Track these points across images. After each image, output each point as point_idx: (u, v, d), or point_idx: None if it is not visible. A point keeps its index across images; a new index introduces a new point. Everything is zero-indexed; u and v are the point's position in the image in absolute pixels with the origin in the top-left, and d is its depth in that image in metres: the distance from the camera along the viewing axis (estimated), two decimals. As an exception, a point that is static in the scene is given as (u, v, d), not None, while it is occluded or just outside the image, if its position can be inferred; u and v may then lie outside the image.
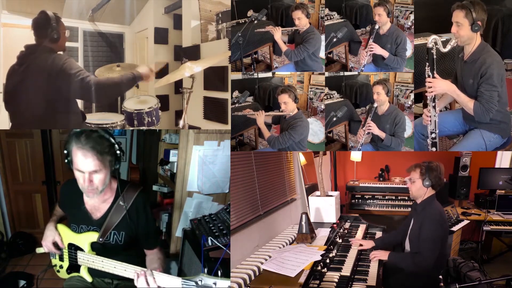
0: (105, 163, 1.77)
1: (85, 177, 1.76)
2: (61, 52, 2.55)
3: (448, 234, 2.36)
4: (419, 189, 2.34)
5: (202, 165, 2.65)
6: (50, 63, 2.34)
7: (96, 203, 1.94)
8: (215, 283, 1.58)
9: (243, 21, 2.83)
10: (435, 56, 2.25)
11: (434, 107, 2.32)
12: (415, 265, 2.20)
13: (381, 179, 4.47)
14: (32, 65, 2.38)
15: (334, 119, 2.89)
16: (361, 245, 2.55)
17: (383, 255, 2.31)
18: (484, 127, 2.31)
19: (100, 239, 1.91)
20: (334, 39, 2.87)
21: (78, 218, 1.97)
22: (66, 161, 1.81)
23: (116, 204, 1.93)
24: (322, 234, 2.75)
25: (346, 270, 2.11)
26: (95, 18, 4.93)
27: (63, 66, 2.34)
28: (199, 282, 1.59)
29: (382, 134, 2.63)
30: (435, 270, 2.30)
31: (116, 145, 1.82)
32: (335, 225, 2.93)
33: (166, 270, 2.02)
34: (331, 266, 2.17)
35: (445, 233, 2.28)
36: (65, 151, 1.79)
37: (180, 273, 2.45)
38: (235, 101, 2.88)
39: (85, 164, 1.74)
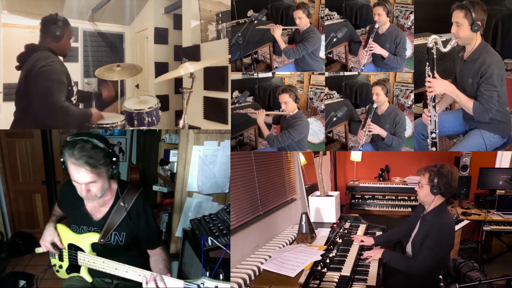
0: (101, 173, 1.76)
1: (82, 188, 1.76)
2: (60, 58, 2.55)
3: (453, 246, 2.28)
4: (427, 195, 2.22)
5: (202, 165, 2.65)
6: (34, 62, 2.33)
7: (96, 204, 1.94)
8: (216, 287, 1.57)
9: (243, 21, 2.83)
10: (435, 56, 2.25)
11: (434, 107, 2.32)
12: (407, 268, 2.18)
13: (381, 179, 4.46)
14: (25, 64, 2.38)
15: (334, 119, 2.89)
16: (362, 241, 2.55)
17: (377, 253, 2.30)
18: (484, 127, 2.31)
19: (101, 240, 1.91)
20: (334, 39, 2.87)
21: (79, 219, 1.97)
22: (63, 167, 1.79)
23: (116, 205, 1.93)
24: (322, 234, 2.75)
25: (346, 270, 2.11)
26: (95, 18, 4.93)
27: (42, 69, 2.31)
28: (201, 285, 1.59)
29: (383, 133, 2.62)
30: (435, 271, 2.30)
31: (111, 151, 1.80)
32: (335, 225, 2.93)
33: (171, 272, 2.02)
34: (331, 266, 2.16)
35: (450, 246, 2.23)
36: (62, 159, 1.77)
37: (180, 273, 2.44)
38: (235, 101, 2.87)
39: (80, 178, 1.73)
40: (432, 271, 2.26)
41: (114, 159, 1.80)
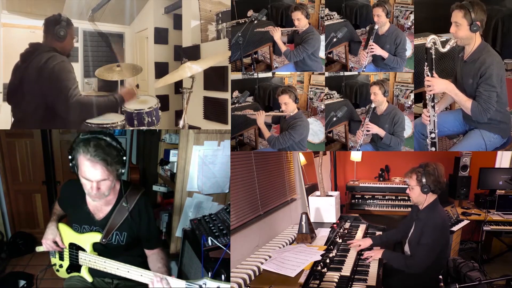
0: (113, 171, 1.77)
1: (93, 185, 1.75)
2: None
3: (449, 240, 2.32)
4: (418, 196, 2.26)
5: (202, 165, 2.65)
6: (44, 62, 2.34)
7: (99, 204, 1.94)
8: (219, 287, 1.57)
9: (243, 21, 2.83)
10: (433, 56, 2.26)
11: (433, 107, 2.32)
12: (407, 267, 2.20)
13: (381, 179, 4.47)
14: (32, 63, 2.39)
15: (334, 119, 2.89)
16: (359, 245, 2.52)
17: (377, 253, 2.31)
18: (484, 127, 2.31)
19: (103, 240, 1.91)
20: (334, 39, 2.87)
21: (80, 219, 1.97)
22: (70, 165, 1.80)
23: (119, 205, 1.94)
24: (322, 234, 2.75)
25: (346, 270, 2.11)
26: (95, 18, 4.93)
27: (54, 68, 2.33)
28: (203, 286, 1.59)
29: (381, 132, 2.63)
30: (434, 270, 2.31)
31: (123, 150, 1.82)
32: (335, 225, 2.93)
33: (170, 271, 2.02)
34: (331, 266, 2.16)
35: (445, 240, 2.24)
36: (70, 156, 1.78)
37: (180, 273, 2.45)
38: (235, 101, 2.88)
39: (93, 175, 1.73)
40: (431, 270, 2.26)
41: (124, 158, 1.82)
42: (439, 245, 2.19)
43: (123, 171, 1.83)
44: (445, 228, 2.25)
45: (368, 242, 2.52)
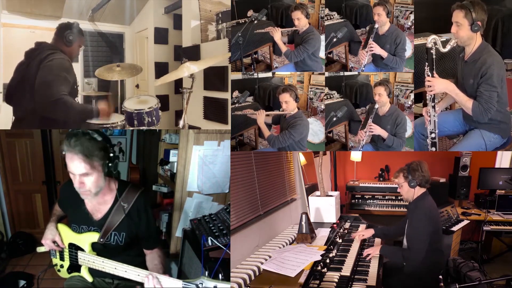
0: (94, 166, 1.76)
1: (76, 179, 1.76)
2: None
3: (440, 229, 2.41)
4: (407, 191, 2.40)
5: (202, 165, 2.65)
6: (45, 57, 2.37)
7: (97, 203, 1.94)
8: (215, 286, 1.57)
9: (243, 21, 2.83)
10: (434, 56, 2.26)
11: (433, 107, 2.33)
12: (404, 260, 2.28)
13: (381, 179, 4.47)
14: (34, 60, 2.40)
15: (334, 119, 2.89)
16: (363, 235, 2.66)
17: (375, 249, 2.37)
18: (484, 127, 2.31)
19: (101, 240, 1.91)
20: (334, 39, 2.87)
21: (79, 219, 1.97)
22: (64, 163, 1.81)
23: (116, 205, 1.93)
24: (322, 234, 2.75)
25: (346, 270, 2.11)
26: (95, 18, 4.93)
27: (51, 61, 2.35)
28: (200, 285, 1.59)
29: (384, 134, 2.63)
30: (434, 270, 2.31)
31: (109, 147, 1.81)
32: (335, 225, 2.93)
33: (167, 269, 2.02)
34: (331, 266, 2.16)
35: (434, 228, 2.30)
36: (63, 153, 1.79)
37: (180, 273, 2.45)
38: (235, 101, 2.88)
39: (73, 167, 1.74)
40: (431, 270, 2.27)
41: (110, 154, 1.81)
42: (427, 233, 2.24)
43: (111, 168, 1.82)
44: (432, 215, 2.32)
45: (370, 232, 2.67)
